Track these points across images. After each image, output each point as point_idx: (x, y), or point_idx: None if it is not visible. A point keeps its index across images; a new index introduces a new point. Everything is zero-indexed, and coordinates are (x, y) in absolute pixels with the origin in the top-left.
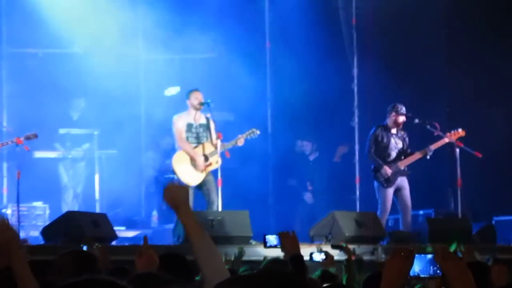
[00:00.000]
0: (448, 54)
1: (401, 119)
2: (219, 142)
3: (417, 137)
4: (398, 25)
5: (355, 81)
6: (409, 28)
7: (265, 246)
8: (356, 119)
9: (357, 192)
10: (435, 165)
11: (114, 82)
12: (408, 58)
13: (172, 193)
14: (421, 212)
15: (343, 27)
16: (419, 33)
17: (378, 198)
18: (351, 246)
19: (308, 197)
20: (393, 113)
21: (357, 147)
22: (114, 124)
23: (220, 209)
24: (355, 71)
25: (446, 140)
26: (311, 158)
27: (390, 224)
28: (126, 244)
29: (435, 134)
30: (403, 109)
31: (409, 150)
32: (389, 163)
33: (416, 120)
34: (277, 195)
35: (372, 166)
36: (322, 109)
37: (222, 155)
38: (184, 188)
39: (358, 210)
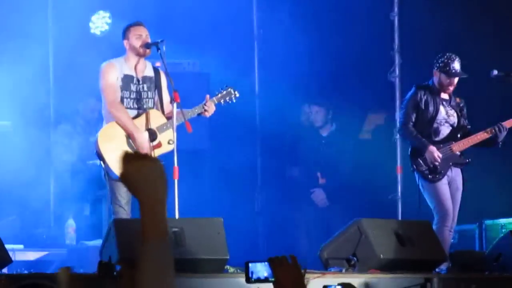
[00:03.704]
0: None
1: (454, 80)
2: (175, 108)
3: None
4: None
5: (396, 8)
6: None
7: (249, 280)
8: (397, 71)
9: (399, 188)
10: None
11: (5, 15)
12: None
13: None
14: (502, 221)
15: None
16: None
17: (428, 199)
18: (389, 276)
19: (318, 195)
20: (437, 70)
21: (398, 115)
22: (6, 80)
23: (176, 216)
24: None
25: None
26: (324, 133)
27: (453, 240)
28: (26, 272)
29: None
30: (456, 65)
31: (468, 127)
32: (436, 144)
33: (495, 72)
34: (270, 194)
35: (410, 148)
36: (341, 55)
37: (180, 129)
38: (158, 163)
39: (400, 217)
